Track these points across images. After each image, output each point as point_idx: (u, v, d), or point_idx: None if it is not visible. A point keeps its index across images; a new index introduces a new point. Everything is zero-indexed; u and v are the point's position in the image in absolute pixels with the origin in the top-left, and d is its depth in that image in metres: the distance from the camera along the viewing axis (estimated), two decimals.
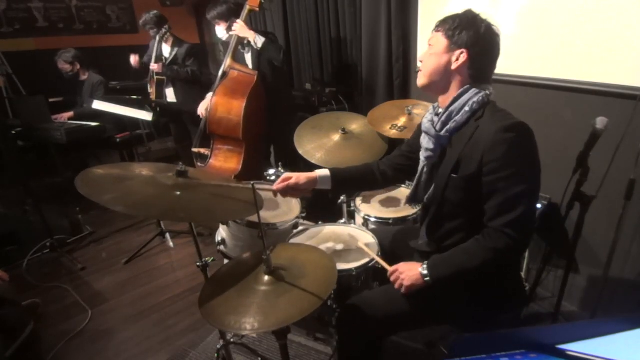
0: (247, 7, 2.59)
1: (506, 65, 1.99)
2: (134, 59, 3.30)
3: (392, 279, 1.23)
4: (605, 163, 1.57)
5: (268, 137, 2.93)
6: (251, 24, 3.93)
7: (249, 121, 2.53)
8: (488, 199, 1.08)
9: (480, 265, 1.09)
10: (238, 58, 2.75)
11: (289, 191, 1.35)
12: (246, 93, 2.51)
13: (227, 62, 2.64)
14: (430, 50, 1.17)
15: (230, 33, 2.64)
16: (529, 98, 1.99)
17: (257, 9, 2.60)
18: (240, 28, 2.57)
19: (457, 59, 1.12)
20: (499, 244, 1.04)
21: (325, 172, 1.39)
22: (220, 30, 2.74)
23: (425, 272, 1.14)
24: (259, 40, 2.56)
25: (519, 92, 2.01)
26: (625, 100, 1.62)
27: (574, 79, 1.80)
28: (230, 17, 2.66)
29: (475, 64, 1.12)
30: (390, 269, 1.25)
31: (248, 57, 2.79)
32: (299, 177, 1.35)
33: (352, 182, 1.46)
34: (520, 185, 1.03)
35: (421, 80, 1.20)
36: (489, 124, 1.08)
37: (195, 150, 2.88)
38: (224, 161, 2.71)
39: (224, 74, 2.67)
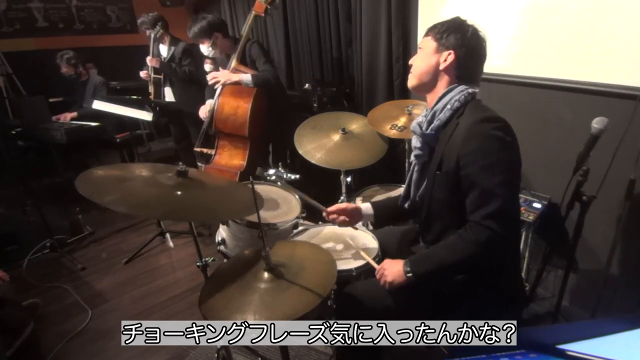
0: (252, 13, 2.61)
1: (506, 65, 2.01)
2: (143, 73, 3.30)
3: (377, 276, 1.25)
4: (605, 163, 1.57)
5: (267, 137, 2.95)
6: (255, 29, 3.95)
7: (254, 120, 2.57)
8: (467, 194, 1.09)
9: (462, 260, 1.09)
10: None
11: (339, 214, 1.48)
12: (252, 93, 2.56)
13: (233, 63, 2.66)
14: (420, 53, 1.24)
15: (205, 52, 2.67)
16: (529, 98, 1.99)
17: (263, 14, 2.62)
18: (223, 76, 2.59)
19: (445, 60, 1.17)
20: (481, 237, 1.05)
21: (367, 205, 1.51)
22: (205, 49, 2.70)
23: (408, 268, 1.16)
24: (245, 79, 2.57)
25: (519, 92, 2.01)
26: (625, 100, 1.62)
27: (574, 79, 1.80)
28: (212, 32, 2.62)
29: (462, 64, 1.17)
30: (377, 267, 1.27)
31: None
32: (348, 204, 1.49)
33: (390, 212, 1.51)
34: (496, 176, 1.03)
35: (411, 81, 1.26)
36: (466, 120, 1.12)
37: (197, 149, 2.90)
38: (229, 158, 2.76)
39: None
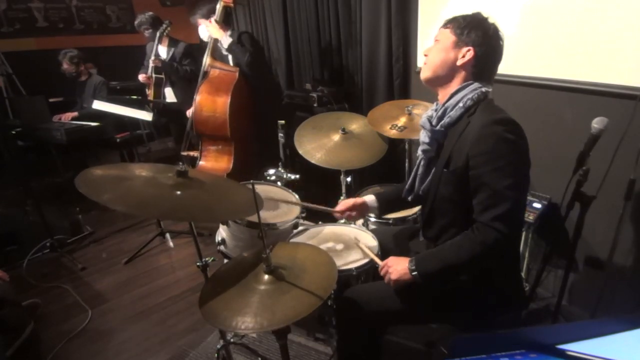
0: (221, 4, 2.57)
1: (506, 65, 1.98)
2: (142, 77, 3.31)
3: (381, 273, 1.24)
4: (605, 163, 1.57)
5: (259, 136, 2.92)
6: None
7: (235, 118, 2.50)
8: (475, 194, 1.09)
9: (468, 260, 1.08)
10: (222, 57, 2.76)
11: (350, 210, 1.51)
12: (229, 90, 2.48)
13: (207, 60, 2.63)
14: (437, 45, 1.20)
15: (202, 35, 2.67)
16: (529, 98, 1.99)
17: (232, 5, 2.59)
18: (212, 28, 2.58)
19: (464, 56, 1.15)
20: (488, 238, 1.04)
21: (371, 197, 1.54)
22: (203, 30, 2.76)
23: (413, 266, 1.15)
24: (225, 42, 2.56)
25: (519, 92, 2.01)
26: (625, 100, 1.62)
27: (574, 79, 1.80)
28: (209, 15, 2.68)
29: (480, 62, 1.16)
30: (381, 263, 1.26)
31: (230, 56, 2.81)
32: (356, 200, 1.53)
33: (393, 201, 1.53)
34: (506, 179, 1.03)
35: (425, 73, 1.22)
36: (478, 119, 1.11)
37: (184, 153, 2.87)
38: (215, 161, 2.69)
39: (205, 73, 2.66)
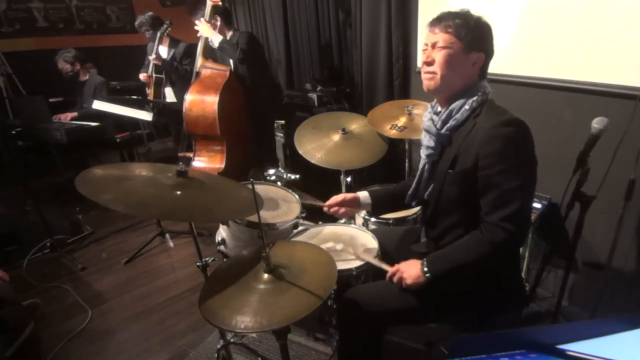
0: (209, 4, 2.59)
1: (506, 65, 2.01)
2: (143, 76, 3.31)
3: (394, 280, 1.23)
4: (605, 163, 1.57)
5: (254, 135, 2.92)
6: (255, 28, 3.97)
7: (225, 117, 2.49)
8: (484, 194, 1.09)
9: (477, 259, 1.09)
10: (223, 59, 2.76)
11: (338, 206, 1.49)
12: (218, 89, 2.48)
13: (199, 61, 2.63)
14: (443, 54, 1.12)
15: (198, 35, 2.69)
16: (529, 98, 1.99)
17: (220, 3, 2.60)
18: (202, 27, 2.59)
19: (475, 62, 1.14)
20: (497, 237, 1.05)
21: (365, 192, 1.51)
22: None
23: (425, 268, 1.15)
24: (215, 40, 2.56)
25: (519, 92, 2.01)
26: (625, 100, 1.62)
27: (574, 79, 1.80)
28: (213, 14, 2.69)
29: (486, 64, 1.16)
30: (390, 270, 1.25)
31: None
32: (345, 195, 1.50)
33: (388, 200, 1.51)
34: (516, 179, 1.04)
35: (435, 82, 1.15)
36: (485, 120, 1.10)
37: (181, 154, 2.88)
38: (208, 161, 2.69)
39: (197, 74, 2.67)
